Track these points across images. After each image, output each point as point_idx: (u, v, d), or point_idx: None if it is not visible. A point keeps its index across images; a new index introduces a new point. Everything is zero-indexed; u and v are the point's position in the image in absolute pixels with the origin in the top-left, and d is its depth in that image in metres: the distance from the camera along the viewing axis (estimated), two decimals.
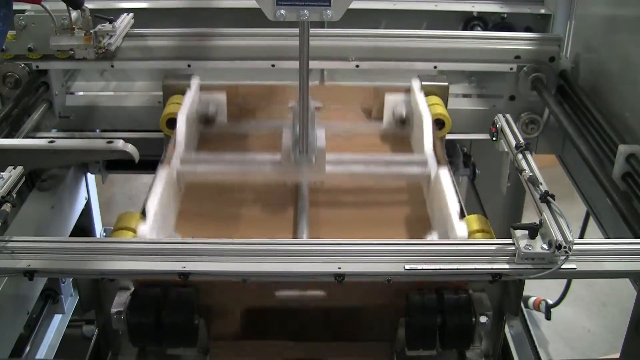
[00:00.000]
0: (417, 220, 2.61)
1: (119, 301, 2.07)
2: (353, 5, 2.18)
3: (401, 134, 3.08)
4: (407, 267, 1.88)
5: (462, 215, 2.28)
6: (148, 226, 2.17)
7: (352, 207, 2.68)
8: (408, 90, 3.12)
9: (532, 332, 3.40)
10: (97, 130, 3.39)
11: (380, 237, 2.10)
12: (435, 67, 3.13)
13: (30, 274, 1.88)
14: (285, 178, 2.61)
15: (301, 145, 2.47)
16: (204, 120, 3.08)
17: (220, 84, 3.17)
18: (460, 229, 2.18)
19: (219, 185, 2.65)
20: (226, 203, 2.66)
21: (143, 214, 2.27)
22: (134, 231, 2.32)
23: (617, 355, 2.20)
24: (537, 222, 1.94)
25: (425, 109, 2.86)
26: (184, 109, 2.84)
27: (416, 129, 2.92)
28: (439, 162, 2.62)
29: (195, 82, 3.06)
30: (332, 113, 3.14)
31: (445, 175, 2.48)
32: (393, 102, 3.09)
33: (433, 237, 2.31)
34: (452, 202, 2.32)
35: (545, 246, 1.88)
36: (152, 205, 2.30)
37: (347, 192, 2.73)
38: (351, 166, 2.63)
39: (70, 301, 3.49)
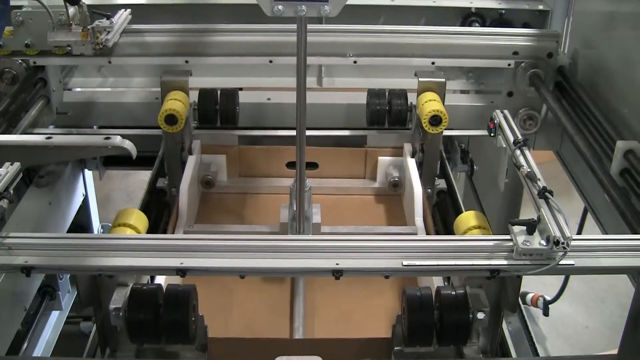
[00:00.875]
0: None
1: (118, 298, 2.06)
2: (351, 1, 2.18)
3: (394, 193, 3.22)
4: (405, 263, 1.88)
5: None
6: None
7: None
8: (400, 153, 3.23)
9: (530, 328, 3.41)
10: (95, 127, 3.39)
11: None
12: (433, 63, 3.13)
13: (27, 270, 1.87)
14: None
15: (298, 224, 2.52)
16: (204, 183, 3.17)
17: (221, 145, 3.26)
18: None
19: None
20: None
21: None
22: (133, 227, 2.32)
23: (615, 351, 2.19)
24: (535, 218, 1.93)
25: (416, 177, 2.96)
26: (186, 177, 2.91)
27: (407, 196, 3.04)
28: (428, 233, 2.75)
29: (196, 145, 3.13)
30: (328, 171, 3.29)
31: None
32: (386, 165, 3.23)
33: None
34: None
35: (543, 242, 1.88)
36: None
37: None
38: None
39: (67, 298, 3.49)
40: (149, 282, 2.26)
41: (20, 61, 3.08)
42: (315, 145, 3.18)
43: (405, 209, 3.08)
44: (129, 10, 3.15)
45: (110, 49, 2.97)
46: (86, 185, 3.60)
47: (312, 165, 3.23)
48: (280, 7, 2.13)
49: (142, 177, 5.79)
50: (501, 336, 2.34)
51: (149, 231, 2.43)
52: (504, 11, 3.60)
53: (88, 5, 2.85)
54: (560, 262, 1.87)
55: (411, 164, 3.05)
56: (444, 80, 3.04)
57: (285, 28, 2.97)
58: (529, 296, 4.55)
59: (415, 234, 2.75)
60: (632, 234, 2.24)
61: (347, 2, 2.16)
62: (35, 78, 3.14)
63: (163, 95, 3.02)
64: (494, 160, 2.61)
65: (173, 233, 2.68)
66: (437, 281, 2.38)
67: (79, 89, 3.50)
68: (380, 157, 3.23)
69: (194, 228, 2.81)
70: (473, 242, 1.97)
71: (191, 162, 3.04)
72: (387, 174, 3.22)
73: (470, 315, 2.04)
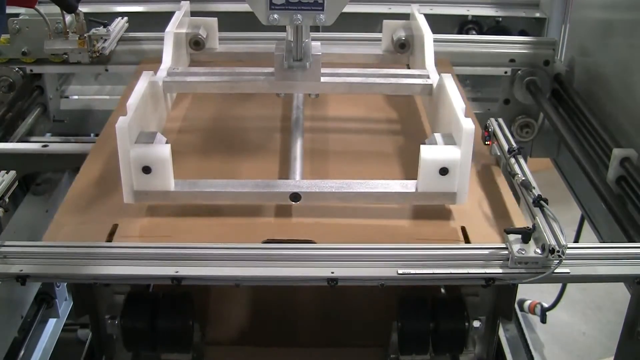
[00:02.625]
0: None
1: (113, 306, 2.06)
2: (347, 9, 2.18)
3: (400, 59, 2.97)
4: (400, 271, 1.88)
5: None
6: (128, 119, 1.95)
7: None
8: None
9: (527, 336, 3.40)
10: (92, 135, 3.39)
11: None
12: None
13: (22, 279, 1.87)
14: (278, 89, 2.45)
15: (295, 52, 2.33)
16: (193, 44, 2.94)
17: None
18: (467, 123, 1.98)
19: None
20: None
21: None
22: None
23: (612, 359, 2.19)
24: (530, 227, 1.93)
25: (427, 28, 2.75)
26: (172, 26, 2.71)
27: (417, 49, 2.82)
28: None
29: (185, 4, 2.94)
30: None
31: (449, 79, 2.29)
32: (392, 27, 2.96)
33: (437, 139, 2.08)
34: (457, 101, 2.13)
35: (538, 250, 1.88)
36: (133, 103, 2.07)
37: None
38: (348, 78, 2.46)
39: (64, 305, 3.48)
40: (145, 290, 2.26)
41: (17, 69, 3.08)
42: None
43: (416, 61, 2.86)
44: (125, 18, 3.16)
45: (107, 56, 2.98)
46: None
47: None
48: (275, 15, 2.13)
49: None
50: (498, 344, 2.33)
51: None
52: (500, 19, 3.61)
53: (85, 13, 2.86)
54: (556, 271, 1.87)
55: (421, 20, 2.83)
56: None
57: (282, 37, 2.96)
58: (527, 303, 4.55)
59: (427, 75, 2.50)
60: (629, 242, 2.24)
61: (344, 10, 2.17)
62: (32, 86, 3.14)
63: None
64: None
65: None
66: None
67: (76, 97, 3.51)
68: (385, 20, 2.97)
69: (179, 70, 2.57)
70: (469, 251, 1.97)
71: (178, 15, 2.86)
72: (394, 36, 2.95)
73: (466, 324, 2.04)
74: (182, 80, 2.45)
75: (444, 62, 2.97)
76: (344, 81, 2.43)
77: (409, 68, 2.92)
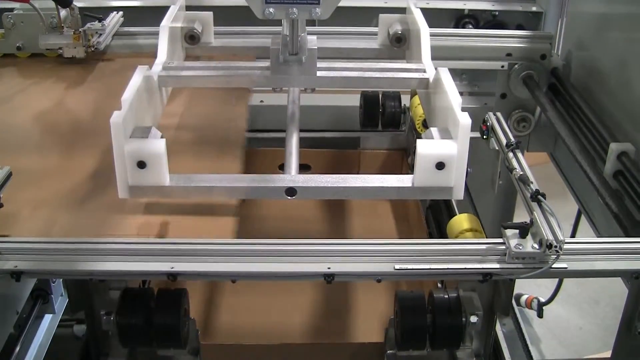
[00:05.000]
0: None
1: (108, 302, 2.06)
2: (343, 3, 2.17)
3: (397, 53, 2.91)
4: (397, 267, 1.87)
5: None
6: (122, 113, 1.91)
7: None
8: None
9: (524, 330, 3.40)
10: None
11: None
12: None
13: (17, 275, 1.86)
14: (273, 83, 2.45)
15: (291, 45, 2.31)
16: (188, 38, 2.88)
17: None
18: (463, 117, 1.94)
19: None
20: None
21: None
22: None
23: (609, 353, 2.19)
24: (528, 222, 1.93)
25: (423, 22, 2.70)
26: (167, 21, 2.67)
27: (413, 43, 2.78)
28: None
29: None
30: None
31: (445, 73, 2.28)
32: (388, 21, 2.90)
33: (433, 133, 2.05)
34: (454, 95, 2.12)
35: (536, 245, 1.87)
36: (128, 97, 2.03)
37: None
38: (344, 72, 2.46)
39: (60, 301, 3.46)
40: (141, 285, 2.25)
41: None
42: (308, 147, 3.17)
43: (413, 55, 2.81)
44: (120, 13, 3.15)
45: (102, 51, 2.96)
46: None
47: (305, 167, 3.22)
48: (271, 9, 2.12)
49: None
50: (495, 339, 2.33)
51: None
52: (497, 13, 3.60)
53: (80, 8, 2.84)
54: (553, 266, 1.86)
55: (417, 13, 2.79)
56: None
57: (278, 31, 2.95)
58: (523, 298, 4.55)
59: (424, 68, 2.46)
60: (626, 236, 2.23)
61: (339, 4, 2.15)
62: None
63: None
64: (488, 163, 2.61)
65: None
66: (430, 284, 2.38)
67: None
68: (382, 15, 2.92)
69: (174, 64, 2.54)
70: (465, 246, 1.97)
71: (173, 9, 2.81)
72: (390, 30, 2.88)
73: (463, 319, 2.03)
74: (177, 74, 2.41)
75: None
76: (339, 75, 2.41)
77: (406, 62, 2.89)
